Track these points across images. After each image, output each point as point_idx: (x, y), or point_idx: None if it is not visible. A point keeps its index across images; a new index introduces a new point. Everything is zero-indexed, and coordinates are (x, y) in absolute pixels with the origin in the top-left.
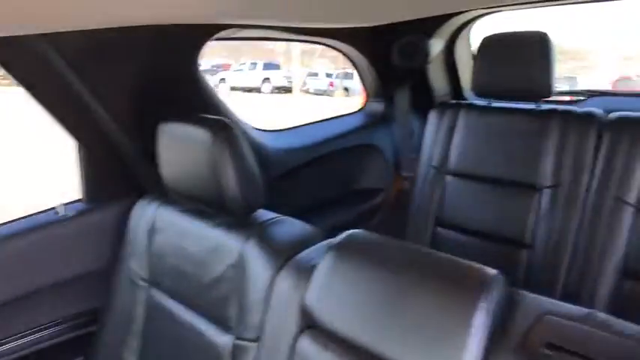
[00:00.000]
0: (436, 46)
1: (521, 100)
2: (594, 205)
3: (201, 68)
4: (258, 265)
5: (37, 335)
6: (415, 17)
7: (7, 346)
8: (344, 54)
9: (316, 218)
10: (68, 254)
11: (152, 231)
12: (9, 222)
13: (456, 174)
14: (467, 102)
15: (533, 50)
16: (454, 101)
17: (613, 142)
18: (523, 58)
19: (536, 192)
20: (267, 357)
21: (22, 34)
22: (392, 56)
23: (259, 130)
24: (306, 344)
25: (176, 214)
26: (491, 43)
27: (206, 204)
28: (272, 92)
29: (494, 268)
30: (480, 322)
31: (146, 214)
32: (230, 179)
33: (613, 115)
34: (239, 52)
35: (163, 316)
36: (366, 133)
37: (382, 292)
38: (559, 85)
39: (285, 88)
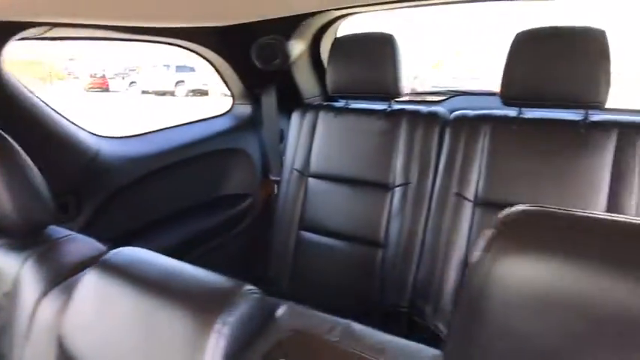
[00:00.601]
0: (296, 47)
1: (374, 100)
2: (439, 202)
3: (114, 71)
4: (27, 290)
5: None
6: (267, 18)
7: None
8: (199, 55)
9: (177, 227)
10: None
11: None
12: None
13: (317, 176)
14: (325, 103)
15: (381, 51)
16: (316, 103)
17: (452, 140)
18: (372, 60)
19: (389, 191)
20: None
21: None
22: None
23: (100, 136)
24: None
25: None
26: (342, 44)
27: None
28: (187, 95)
29: (354, 268)
30: (217, 338)
31: None
32: (2, 196)
33: (454, 113)
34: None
35: None
36: (232, 136)
37: (132, 314)
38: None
39: (202, 91)
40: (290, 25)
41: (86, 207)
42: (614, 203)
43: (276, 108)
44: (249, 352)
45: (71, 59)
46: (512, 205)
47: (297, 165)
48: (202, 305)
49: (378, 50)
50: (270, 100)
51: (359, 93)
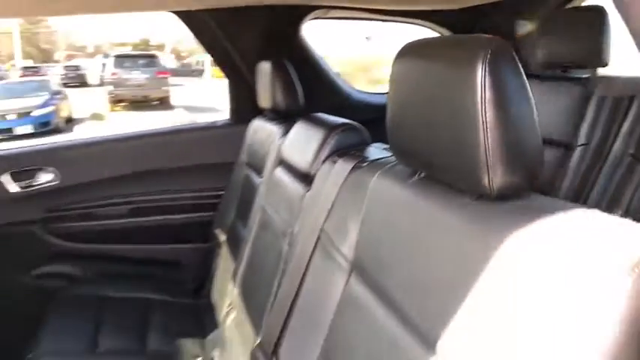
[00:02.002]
0: (525, 26)
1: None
2: (613, 164)
3: None
4: None
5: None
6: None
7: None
8: (436, 32)
9: None
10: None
11: None
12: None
13: None
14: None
15: (591, 23)
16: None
17: None
18: (580, 31)
19: (571, 150)
20: None
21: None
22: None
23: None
24: None
25: None
26: (553, 16)
27: None
28: None
29: None
30: None
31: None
32: None
33: None
34: None
35: None
36: None
37: None
38: None
39: None
40: (525, 4)
41: None
42: None
43: None
44: None
45: None
46: None
47: None
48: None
49: (588, 22)
50: None
51: (567, 63)
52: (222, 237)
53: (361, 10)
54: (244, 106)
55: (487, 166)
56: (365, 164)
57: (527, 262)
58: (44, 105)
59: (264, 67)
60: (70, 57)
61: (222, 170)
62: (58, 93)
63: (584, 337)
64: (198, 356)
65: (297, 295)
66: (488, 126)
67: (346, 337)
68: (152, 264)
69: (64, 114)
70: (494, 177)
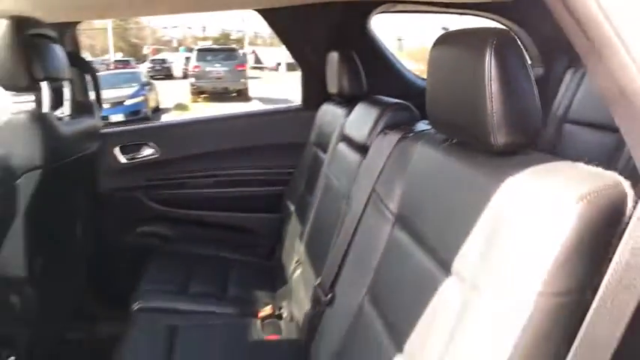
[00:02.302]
0: None
1: None
2: None
3: None
4: None
5: None
6: None
7: None
8: (497, 22)
9: None
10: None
11: None
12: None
13: None
14: None
15: None
16: None
17: None
18: None
19: None
20: None
21: None
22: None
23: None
24: None
25: None
26: None
27: None
28: None
29: None
30: None
31: None
32: None
33: None
34: None
35: None
36: None
37: None
38: None
39: None
40: None
41: None
42: None
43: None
44: None
45: None
46: None
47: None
48: None
49: None
50: (562, 63)
51: None
52: (292, 207)
53: (424, 3)
54: (315, 93)
55: (493, 128)
56: (410, 135)
57: (512, 198)
58: (135, 95)
59: (333, 57)
60: (155, 51)
61: (293, 150)
62: (146, 84)
63: (546, 245)
64: (269, 304)
65: (350, 243)
66: (493, 97)
67: (388, 274)
68: (231, 230)
69: (152, 104)
70: (499, 136)
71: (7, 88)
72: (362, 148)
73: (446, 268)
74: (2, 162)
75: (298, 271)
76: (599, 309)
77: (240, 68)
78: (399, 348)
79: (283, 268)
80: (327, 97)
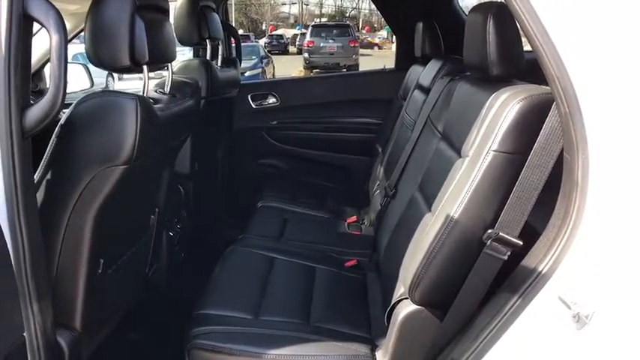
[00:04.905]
0: None
1: None
2: None
3: None
4: None
5: None
6: None
7: None
8: None
9: None
10: None
11: None
12: None
13: None
14: None
15: None
16: None
17: None
18: None
19: None
20: None
21: None
22: None
23: None
24: None
25: None
26: None
27: None
28: None
29: None
30: None
31: None
32: None
33: None
34: None
35: None
36: None
37: None
38: None
39: None
40: None
41: None
42: None
43: None
44: None
45: None
46: None
47: None
48: None
49: None
50: None
51: None
52: (380, 149)
53: None
54: (406, 57)
55: (488, 61)
56: (457, 78)
57: (492, 102)
58: (254, 67)
59: (419, 27)
60: (273, 28)
61: (385, 104)
62: (265, 57)
63: (502, 124)
64: (354, 215)
65: (410, 155)
66: (489, 40)
67: (432, 171)
68: (331, 167)
69: (268, 76)
70: (493, 67)
71: (183, 44)
72: (427, 90)
73: (457, 152)
74: (194, 87)
75: (378, 191)
76: (530, 164)
77: (353, 44)
78: (433, 212)
79: (368, 194)
80: (415, 60)
